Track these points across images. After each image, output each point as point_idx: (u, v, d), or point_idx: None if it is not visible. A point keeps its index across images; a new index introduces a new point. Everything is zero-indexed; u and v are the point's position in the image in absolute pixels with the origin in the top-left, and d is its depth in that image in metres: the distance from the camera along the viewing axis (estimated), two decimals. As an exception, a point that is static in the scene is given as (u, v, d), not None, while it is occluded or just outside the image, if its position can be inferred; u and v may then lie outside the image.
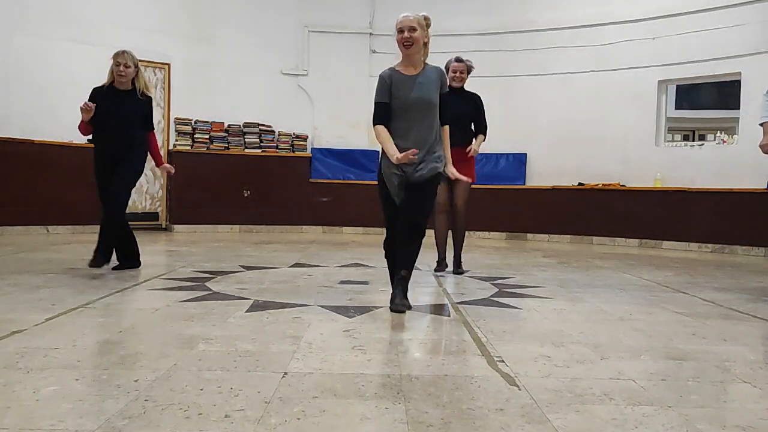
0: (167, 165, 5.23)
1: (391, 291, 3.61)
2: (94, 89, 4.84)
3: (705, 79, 9.28)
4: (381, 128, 3.59)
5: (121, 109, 4.79)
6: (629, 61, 9.11)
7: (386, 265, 3.79)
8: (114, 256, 4.96)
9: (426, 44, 3.67)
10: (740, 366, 2.57)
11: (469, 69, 5.48)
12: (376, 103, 3.63)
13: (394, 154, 3.47)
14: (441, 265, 5.45)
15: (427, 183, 3.59)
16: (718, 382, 2.35)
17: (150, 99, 4.99)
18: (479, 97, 5.53)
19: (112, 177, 4.75)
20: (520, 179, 9.74)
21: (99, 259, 4.78)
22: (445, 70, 5.39)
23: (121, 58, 4.83)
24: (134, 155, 4.86)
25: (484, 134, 5.51)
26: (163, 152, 9.36)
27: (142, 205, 9.25)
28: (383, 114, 3.60)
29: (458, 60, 5.47)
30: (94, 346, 2.68)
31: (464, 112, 5.36)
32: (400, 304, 3.49)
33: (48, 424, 1.77)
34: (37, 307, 3.39)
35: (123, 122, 4.77)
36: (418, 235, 3.57)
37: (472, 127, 5.47)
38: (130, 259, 5.02)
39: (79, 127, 4.84)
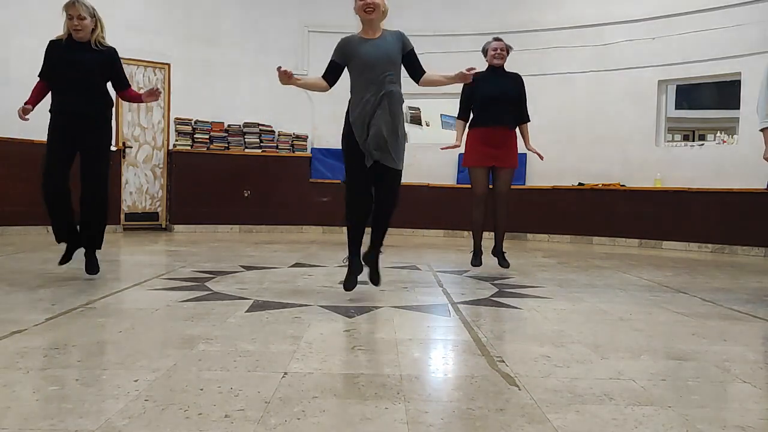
0: (147, 91, 4.54)
1: (361, 274, 3.92)
2: (51, 41, 4.37)
3: (705, 79, 9.29)
4: (317, 78, 3.92)
5: (81, 60, 4.28)
6: (629, 61, 9.11)
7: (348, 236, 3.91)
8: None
9: (384, 12, 3.81)
10: (740, 366, 2.57)
11: (508, 48, 5.46)
12: (329, 62, 3.90)
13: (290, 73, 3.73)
14: (478, 258, 5.43)
15: (394, 171, 3.77)
16: (718, 382, 2.35)
17: (114, 50, 4.44)
18: (521, 77, 5.47)
19: (72, 157, 4.28)
20: (520, 179, 9.72)
21: (71, 250, 4.43)
22: (483, 53, 5.53)
23: (72, 10, 4.25)
24: (101, 134, 4.39)
25: (528, 121, 5.51)
26: (163, 152, 9.38)
27: (142, 205, 9.25)
28: (330, 69, 3.89)
29: (497, 39, 5.48)
30: (94, 346, 2.68)
31: (506, 91, 5.30)
32: (377, 278, 3.89)
33: (48, 424, 1.76)
34: (37, 307, 3.39)
35: (85, 75, 4.29)
36: (394, 211, 3.86)
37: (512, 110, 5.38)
38: (99, 238, 4.48)
39: (36, 96, 4.32)
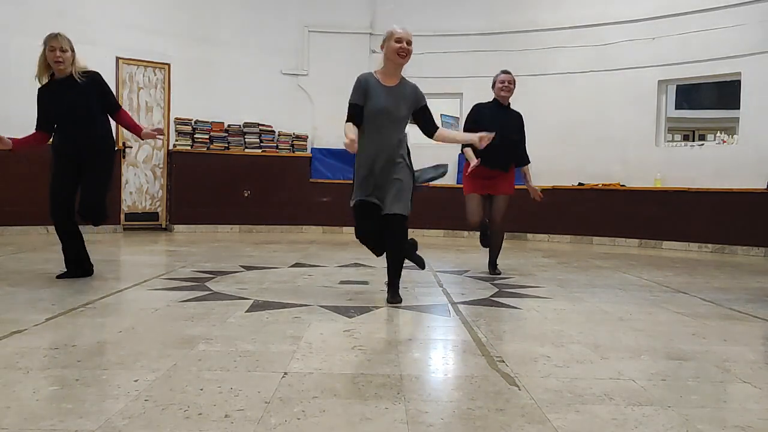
0: (148, 130, 4.49)
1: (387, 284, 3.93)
2: (40, 89, 4.35)
3: (705, 79, 9.28)
4: (350, 124, 3.76)
5: (73, 101, 4.26)
6: (629, 61, 9.11)
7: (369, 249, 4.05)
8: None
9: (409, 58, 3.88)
10: (740, 366, 2.57)
11: (514, 81, 5.41)
12: (350, 104, 3.84)
13: (350, 138, 3.58)
14: (486, 238, 5.44)
15: (398, 217, 3.75)
16: (718, 382, 2.35)
17: (97, 75, 4.40)
18: (522, 117, 5.51)
19: (78, 184, 4.32)
20: (520, 179, 9.72)
21: (73, 275, 4.44)
22: (492, 83, 5.47)
23: (55, 42, 4.19)
24: (102, 158, 4.40)
25: (528, 163, 5.58)
26: (163, 152, 9.38)
27: (142, 205, 9.25)
28: (356, 115, 3.80)
29: (505, 72, 5.41)
30: (94, 346, 2.68)
31: (508, 134, 5.26)
32: (399, 299, 3.84)
33: (48, 424, 1.77)
34: (37, 307, 3.39)
35: (79, 109, 4.27)
36: (401, 252, 3.91)
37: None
38: (87, 264, 4.54)
39: (26, 141, 4.41)
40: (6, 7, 7.99)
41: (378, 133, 3.78)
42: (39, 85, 4.37)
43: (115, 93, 8.81)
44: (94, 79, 4.36)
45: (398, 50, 3.77)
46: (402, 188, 3.77)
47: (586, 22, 9.36)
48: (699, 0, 8.49)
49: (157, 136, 4.52)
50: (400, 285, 3.89)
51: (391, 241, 3.83)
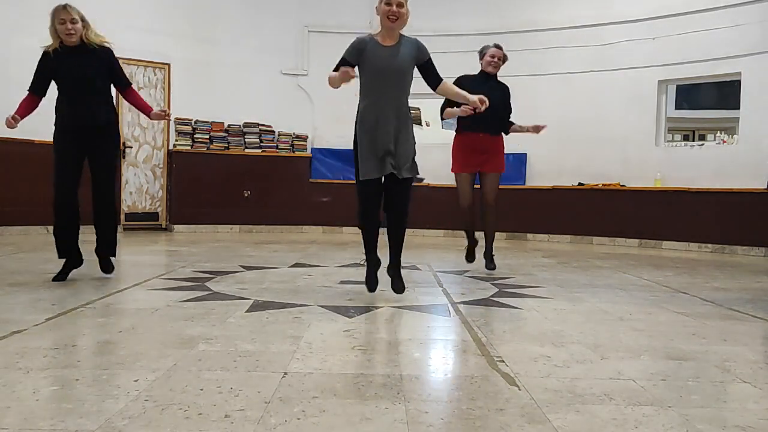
0: (158, 111, 4.48)
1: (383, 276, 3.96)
2: (44, 53, 4.20)
3: (705, 79, 9.29)
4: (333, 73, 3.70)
5: (79, 64, 4.15)
6: (629, 61, 9.11)
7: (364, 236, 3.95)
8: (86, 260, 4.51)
9: (406, 20, 3.76)
10: (740, 366, 2.57)
11: (504, 57, 5.41)
12: (341, 59, 3.76)
13: (343, 70, 3.58)
14: (471, 255, 5.46)
15: (408, 180, 3.77)
16: (718, 382, 2.35)
17: (109, 49, 4.31)
18: (509, 88, 5.48)
19: (82, 163, 4.22)
20: (520, 179, 9.74)
21: (68, 269, 4.35)
22: (480, 55, 5.45)
23: (64, 14, 4.09)
24: (108, 140, 4.32)
25: (507, 134, 5.51)
26: (163, 152, 9.38)
27: (142, 205, 9.25)
28: (340, 65, 3.72)
29: (497, 46, 5.42)
30: (93, 346, 2.68)
31: (495, 102, 5.14)
32: (401, 286, 3.88)
33: (48, 425, 1.76)
34: (37, 307, 3.39)
35: (87, 80, 4.17)
36: (406, 219, 3.85)
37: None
38: (112, 244, 4.51)
39: (22, 108, 4.20)
40: (6, 7, 7.99)
41: (380, 96, 3.70)
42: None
43: (115, 93, 8.90)
44: (105, 51, 4.27)
45: (387, 13, 3.68)
46: (411, 151, 3.74)
47: (586, 22, 9.36)
48: (699, 0, 8.49)
49: (166, 117, 4.50)
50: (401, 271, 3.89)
51: (398, 208, 3.77)
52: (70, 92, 4.18)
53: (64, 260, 4.37)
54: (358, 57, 3.74)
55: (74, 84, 4.16)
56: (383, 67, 3.70)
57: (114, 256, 4.54)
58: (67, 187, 4.19)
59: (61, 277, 4.32)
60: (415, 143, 3.86)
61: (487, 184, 5.37)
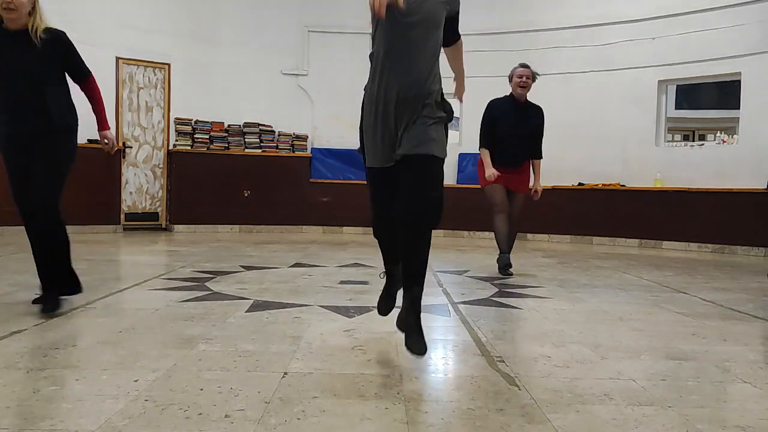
0: (108, 134, 3.52)
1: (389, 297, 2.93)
2: None
3: (705, 79, 9.28)
4: None
5: (21, 56, 3.25)
6: (629, 61, 9.10)
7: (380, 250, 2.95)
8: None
9: None
10: (740, 366, 2.57)
11: (533, 76, 5.25)
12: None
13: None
14: (506, 266, 5.21)
15: (432, 160, 2.52)
16: (718, 382, 2.35)
17: (61, 33, 3.40)
18: (543, 111, 5.34)
19: (30, 168, 3.30)
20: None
21: (51, 294, 3.36)
22: (509, 78, 5.26)
23: None
24: (58, 136, 3.35)
25: (540, 158, 5.38)
26: (163, 152, 9.37)
27: (142, 205, 9.25)
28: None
29: (523, 66, 5.26)
30: (93, 346, 2.68)
31: (526, 131, 5.20)
32: (421, 344, 2.40)
33: (48, 425, 1.76)
34: (37, 307, 3.38)
35: (29, 74, 3.26)
36: (432, 223, 2.50)
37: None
38: (68, 282, 3.47)
39: None
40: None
41: (399, 59, 2.62)
42: None
43: (114, 93, 8.93)
44: (57, 38, 3.36)
45: None
46: (433, 127, 2.56)
47: (587, 22, 9.36)
48: (699, 0, 8.49)
49: (109, 149, 3.55)
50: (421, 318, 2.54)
51: (417, 198, 2.45)
52: (7, 94, 3.30)
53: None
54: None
55: (15, 74, 3.27)
56: (404, 18, 2.66)
57: (61, 290, 3.44)
58: (24, 197, 3.38)
59: (39, 300, 3.39)
60: (445, 138, 2.80)
61: (514, 204, 5.34)
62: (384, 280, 2.95)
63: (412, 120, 2.57)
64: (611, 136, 9.23)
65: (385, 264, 2.93)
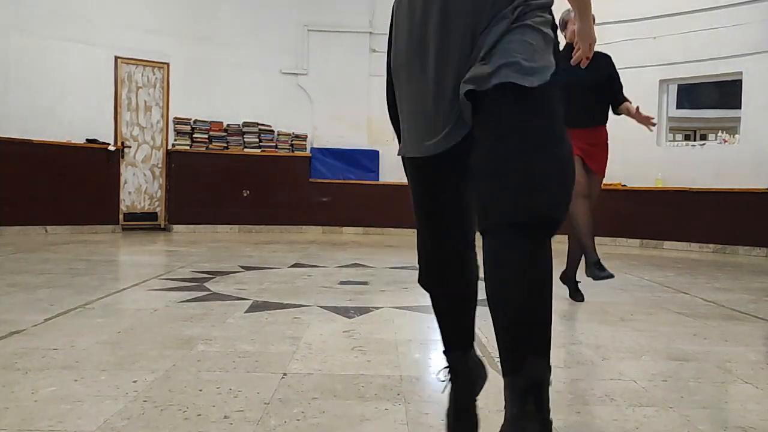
0: None
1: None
2: None
3: (706, 79, 9.28)
4: None
5: None
6: (630, 61, 9.05)
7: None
8: None
9: None
10: (742, 367, 2.56)
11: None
12: None
13: None
14: (600, 268, 4.00)
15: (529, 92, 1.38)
16: (719, 383, 2.34)
17: None
18: (610, 57, 4.31)
19: None
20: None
21: None
22: (562, 25, 4.05)
23: None
24: None
25: (625, 101, 4.32)
26: (162, 152, 9.37)
27: (140, 205, 9.24)
28: None
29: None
30: (92, 346, 2.67)
31: (596, 78, 4.16)
32: None
33: (47, 425, 1.76)
34: (36, 308, 3.38)
35: None
36: (554, 215, 1.45)
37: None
38: None
39: None
40: (6, 7, 7.98)
41: None
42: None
43: (114, 92, 8.93)
44: None
45: None
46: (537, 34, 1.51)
47: (587, 22, 9.34)
48: (699, 0, 8.48)
49: None
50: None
51: (523, 188, 1.34)
52: None
53: None
54: None
55: None
56: None
57: None
58: None
59: None
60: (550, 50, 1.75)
61: (590, 186, 4.33)
62: (447, 385, 1.74)
63: (498, 22, 1.44)
64: (611, 136, 9.13)
65: (444, 344, 1.80)
